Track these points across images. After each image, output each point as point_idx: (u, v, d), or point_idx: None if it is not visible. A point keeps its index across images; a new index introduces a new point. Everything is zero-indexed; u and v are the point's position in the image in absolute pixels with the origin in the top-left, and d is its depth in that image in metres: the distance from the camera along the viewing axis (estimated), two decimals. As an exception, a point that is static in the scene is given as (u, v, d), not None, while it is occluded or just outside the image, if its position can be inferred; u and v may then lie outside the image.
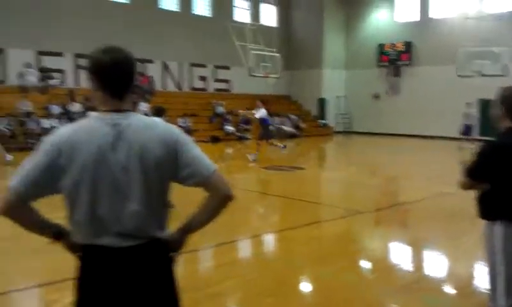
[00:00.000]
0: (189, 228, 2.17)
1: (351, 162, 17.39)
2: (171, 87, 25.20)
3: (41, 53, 20.81)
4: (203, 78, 26.63)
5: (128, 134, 1.97)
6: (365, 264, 6.11)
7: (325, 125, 28.92)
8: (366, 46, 28.45)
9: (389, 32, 27.69)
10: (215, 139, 22.71)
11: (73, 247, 2.10)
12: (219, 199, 2.09)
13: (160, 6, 24.57)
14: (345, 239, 7.17)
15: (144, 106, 19.56)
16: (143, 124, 2.02)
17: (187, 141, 2.08)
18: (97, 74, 2.02)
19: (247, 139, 24.47)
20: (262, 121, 16.96)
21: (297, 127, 26.64)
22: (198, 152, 2.08)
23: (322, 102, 29.38)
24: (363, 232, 7.68)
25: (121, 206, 1.97)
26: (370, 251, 6.67)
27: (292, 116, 27.06)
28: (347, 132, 29.06)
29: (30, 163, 1.98)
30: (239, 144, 22.85)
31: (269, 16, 28.11)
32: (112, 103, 2.02)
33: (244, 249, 6.86)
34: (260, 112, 16.94)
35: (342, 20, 29.56)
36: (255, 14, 26.49)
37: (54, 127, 18.94)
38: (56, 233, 2.11)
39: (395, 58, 27.43)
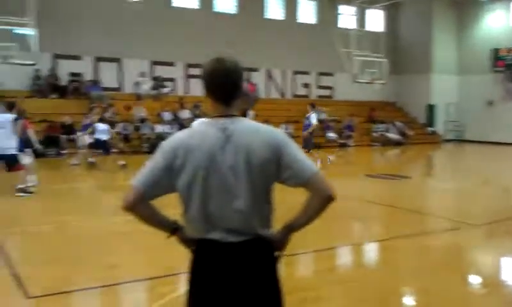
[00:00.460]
0: (292, 227, 2.27)
1: (461, 172, 16.44)
2: (275, 94, 25.56)
3: (155, 63, 22.15)
4: (306, 85, 26.71)
5: (236, 138, 2.13)
6: (475, 278, 5.75)
7: (433, 133, 27.65)
8: (479, 50, 26.79)
9: (504, 37, 25.90)
10: (316, 146, 22.62)
11: (187, 242, 2.28)
12: (320, 200, 2.16)
13: (266, 16, 25.10)
14: (453, 252, 6.79)
15: (251, 113, 19.99)
16: (249, 128, 2.18)
17: (290, 143, 2.19)
18: (208, 82, 2.21)
19: (349, 146, 24.10)
20: (305, 126, 15.41)
21: (403, 134, 25.74)
22: (300, 154, 2.18)
23: (430, 109, 28.12)
24: (473, 245, 7.23)
25: (228, 204, 2.13)
26: (481, 265, 6.27)
27: (398, 123, 26.18)
28: (458, 140, 27.53)
29: (150, 164, 2.19)
30: (341, 151, 22.57)
31: (376, 21, 27.50)
32: (221, 109, 2.20)
33: (345, 256, 6.75)
34: (312, 118, 15.25)
35: (453, 24, 28.12)
36: (361, 19, 26.05)
37: (166, 132, 20.08)
38: (173, 229, 2.30)
39: (512, 63, 25.59)
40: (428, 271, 5.76)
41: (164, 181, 2.16)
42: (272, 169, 2.15)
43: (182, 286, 5.14)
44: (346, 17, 26.52)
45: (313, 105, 15.83)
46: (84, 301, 4.99)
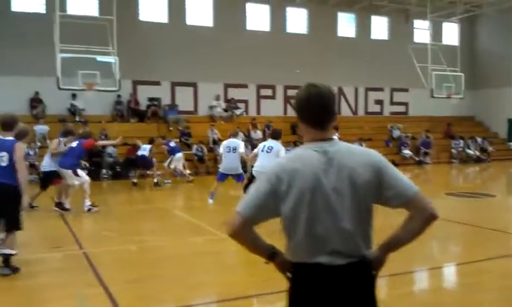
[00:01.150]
0: (390, 247, 2.30)
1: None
2: (347, 111, 25.31)
3: (228, 85, 22.70)
4: (378, 102, 26.26)
5: (338, 160, 2.19)
6: None
7: (517, 148, 26.20)
8: None
9: None
10: (392, 164, 22.10)
11: (285, 266, 2.32)
12: (424, 219, 2.18)
13: (337, 34, 25.08)
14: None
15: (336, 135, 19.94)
16: (349, 150, 2.25)
17: (388, 163, 2.26)
18: (304, 108, 2.30)
19: (427, 163, 23.33)
20: None
21: (483, 150, 24.60)
22: (400, 174, 2.24)
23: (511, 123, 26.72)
24: None
25: (335, 225, 2.17)
26: None
27: (478, 139, 25.07)
28: (543, 156, 25.88)
29: (255, 191, 2.25)
30: (418, 168, 21.91)
31: (451, 34, 26.64)
32: (318, 134, 2.27)
33: (426, 280, 6.52)
34: None
35: (536, 33, 26.67)
36: (437, 33, 25.35)
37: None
38: (271, 254, 2.34)
39: None
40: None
41: (269, 207, 2.22)
42: (373, 190, 2.19)
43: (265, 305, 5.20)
44: (421, 32, 25.89)
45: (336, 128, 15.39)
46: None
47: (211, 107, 22.24)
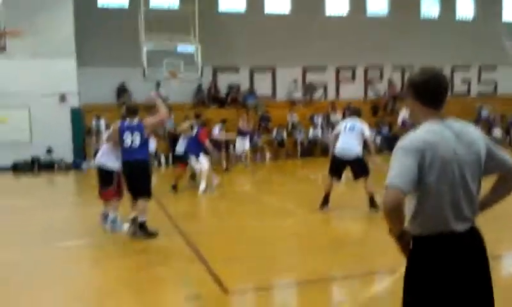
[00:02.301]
0: (482, 207, 2.56)
1: None
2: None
3: (307, 69, 22.50)
4: (465, 82, 25.03)
5: (463, 135, 2.42)
6: None
7: None
8: None
9: None
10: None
11: (408, 243, 2.48)
12: None
13: (420, 15, 24.14)
14: None
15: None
16: (465, 127, 2.48)
17: (491, 141, 2.56)
18: (422, 90, 2.48)
19: (519, 145, 21.99)
20: None
21: None
22: (500, 149, 2.54)
23: None
24: None
25: (467, 194, 2.42)
26: None
27: None
28: None
29: (401, 165, 2.35)
30: (509, 149, 20.71)
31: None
32: (434, 113, 2.46)
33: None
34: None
35: None
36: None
37: (317, 137, 20.34)
38: (402, 232, 2.47)
39: None
40: None
41: (414, 180, 2.33)
42: (484, 160, 2.47)
43: (365, 288, 5.13)
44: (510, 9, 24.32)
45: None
46: (276, 298, 5.19)
47: (289, 92, 22.19)
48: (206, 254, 6.14)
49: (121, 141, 7.15)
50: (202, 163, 10.99)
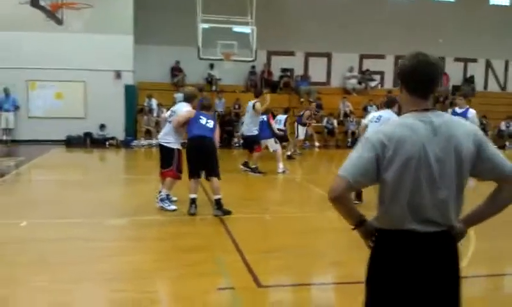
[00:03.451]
0: (473, 220, 2.40)
1: None
2: (494, 87, 23.14)
3: (364, 56, 21.87)
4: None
5: (443, 130, 2.21)
6: None
7: None
8: None
9: None
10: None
11: (368, 235, 2.40)
12: None
13: (491, 2, 22.92)
14: None
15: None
16: (452, 121, 2.27)
17: (485, 138, 2.29)
18: (408, 76, 2.30)
19: None
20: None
21: None
22: (496, 150, 2.29)
23: None
24: None
25: (433, 194, 2.21)
26: None
27: None
28: None
29: (357, 156, 2.27)
30: None
31: None
32: (420, 103, 2.28)
33: None
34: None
35: None
36: None
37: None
38: (359, 221, 2.39)
39: None
40: None
41: (369, 173, 2.23)
42: (472, 161, 2.23)
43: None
44: None
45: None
46: (314, 296, 4.98)
47: (345, 79, 21.65)
48: (244, 244, 6.00)
49: (196, 120, 7.57)
50: (277, 146, 12.12)
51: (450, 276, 2.30)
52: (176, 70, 20.53)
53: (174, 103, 19.02)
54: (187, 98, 8.10)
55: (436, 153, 2.19)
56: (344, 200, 2.31)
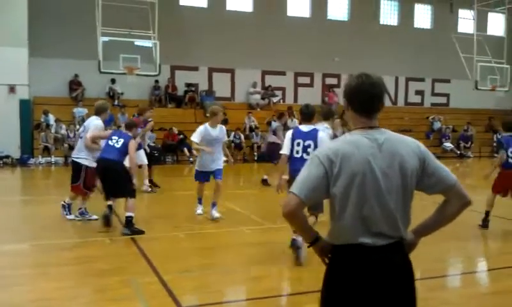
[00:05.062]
0: (424, 231, 2.49)
1: None
2: (386, 101, 24.63)
3: (266, 72, 22.43)
4: (419, 93, 25.63)
5: (387, 146, 2.30)
6: None
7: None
8: None
9: None
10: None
11: (323, 251, 2.46)
12: (460, 205, 2.39)
13: (379, 21, 24.52)
14: None
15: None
16: (396, 138, 2.36)
17: (429, 152, 2.40)
18: (354, 96, 2.38)
19: (468, 157, 22.70)
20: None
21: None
22: (439, 163, 2.38)
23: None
24: None
25: (381, 209, 2.28)
26: None
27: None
28: None
29: (307, 173, 2.33)
30: (459, 162, 21.28)
31: (497, 25, 25.72)
32: (365, 121, 2.36)
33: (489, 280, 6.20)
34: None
35: None
36: (482, 24, 24.49)
37: (274, 142, 20.21)
38: (314, 238, 2.47)
39: None
40: None
41: (321, 189, 2.30)
42: (417, 176, 2.33)
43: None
44: (465, 21, 25.11)
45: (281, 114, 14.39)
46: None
47: (249, 94, 22.02)
48: (159, 265, 5.84)
49: (107, 141, 7.54)
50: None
51: (404, 288, 2.35)
52: (75, 84, 19.65)
53: (73, 118, 18.30)
54: (97, 111, 8.12)
55: (382, 168, 2.27)
56: (296, 216, 2.36)
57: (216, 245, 7.08)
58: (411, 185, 2.32)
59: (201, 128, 8.21)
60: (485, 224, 8.02)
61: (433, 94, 25.91)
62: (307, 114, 6.25)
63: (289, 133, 6.13)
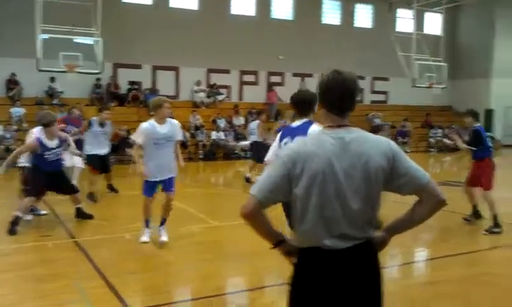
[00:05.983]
0: (396, 229, 2.42)
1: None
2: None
3: (211, 70, 22.34)
4: (360, 90, 26.34)
5: (353, 146, 2.22)
6: None
7: (492, 138, 26.63)
8: (543, 52, 25.71)
9: None
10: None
11: (289, 253, 2.38)
12: (434, 204, 2.31)
13: (322, 21, 24.93)
14: None
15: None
16: (364, 137, 2.27)
17: (401, 152, 2.31)
18: (325, 93, 2.31)
19: (406, 152, 23.54)
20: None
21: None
22: (411, 162, 2.30)
23: (489, 114, 27.14)
24: None
25: (343, 210, 2.21)
26: None
27: (457, 128, 25.44)
28: (518, 146, 26.50)
29: (268, 174, 2.29)
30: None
31: (434, 24, 26.83)
32: (336, 119, 2.29)
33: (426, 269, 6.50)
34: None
35: (515, 26, 27.11)
36: (420, 23, 25.44)
37: (221, 139, 20.21)
38: (278, 240, 2.39)
39: None
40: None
41: (282, 190, 2.25)
42: (385, 176, 2.24)
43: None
44: (404, 21, 26.05)
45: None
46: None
47: (193, 92, 21.87)
48: (106, 268, 5.73)
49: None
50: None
51: (368, 292, 2.28)
52: (12, 83, 18.85)
53: (10, 118, 17.54)
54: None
55: (345, 168, 2.19)
56: (254, 218, 2.29)
57: (163, 245, 7.01)
58: (377, 186, 2.25)
59: (144, 125, 6.59)
60: (474, 217, 8.44)
61: (373, 92, 26.66)
62: (299, 104, 4.63)
63: (278, 136, 4.82)
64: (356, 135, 2.26)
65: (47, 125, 7.51)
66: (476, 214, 8.55)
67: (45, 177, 7.49)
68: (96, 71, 16.89)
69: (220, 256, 6.50)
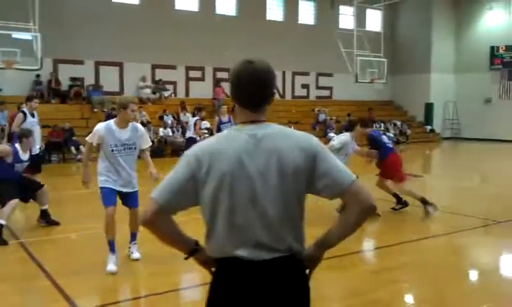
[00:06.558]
0: (327, 243, 2.08)
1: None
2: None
3: (156, 66, 22.06)
4: (305, 86, 26.75)
5: (265, 142, 1.95)
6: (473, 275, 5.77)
7: (431, 131, 27.84)
8: (477, 49, 27.08)
9: (502, 34, 26.17)
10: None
11: (207, 263, 2.09)
12: (360, 210, 1.98)
13: (266, 17, 25.12)
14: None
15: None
16: (280, 132, 2.00)
17: (325, 150, 2.01)
18: (235, 86, 2.04)
19: (351, 146, 24.15)
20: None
21: (402, 133, 25.86)
22: (336, 161, 2.00)
23: (428, 107, 28.30)
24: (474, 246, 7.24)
25: (258, 215, 1.93)
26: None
27: (397, 122, 26.37)
28: (455, 138, 27.76)
29: (171, 175, 2.00)
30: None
31: (375, 21, 27.65)
32: (249, 115, 2.02)
33: (379, 257, 6.74)
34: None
35: (451, 23, 28.37)
36: (361, 20, 26.14)
37: (168, 136, 20.00)
38: (192, 249, 2.09)
39: (510, 61, 25.87)
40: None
41: (187, 193, 1.97)
42: (305, 177, 1.95)
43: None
44: (346, 18, 26.68)
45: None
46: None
47: (138, 88, 21.51)
48: (52, 269, 5.58)
49: None
50: None
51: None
52: None
53: None
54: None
55: (258, 168, 1.92)
56: (155, 225, 1.99)
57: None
58: (297, 187, 1.96)
59: (100, 126, 5.59)
60: (401, 204, 8.82)
61: (318, 87, 27.15)
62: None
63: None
64: (270, 130, 1.98)
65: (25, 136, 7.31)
66: (399, 201, 8.93)
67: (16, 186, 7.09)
68: (36, 67, 16.34)
69: (169, 253, 6.45)
